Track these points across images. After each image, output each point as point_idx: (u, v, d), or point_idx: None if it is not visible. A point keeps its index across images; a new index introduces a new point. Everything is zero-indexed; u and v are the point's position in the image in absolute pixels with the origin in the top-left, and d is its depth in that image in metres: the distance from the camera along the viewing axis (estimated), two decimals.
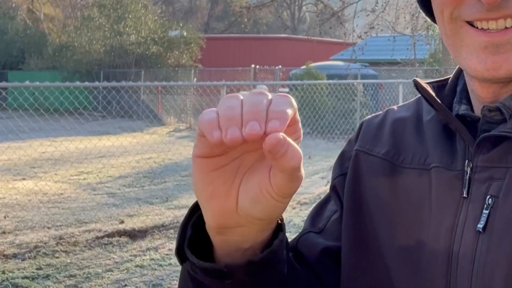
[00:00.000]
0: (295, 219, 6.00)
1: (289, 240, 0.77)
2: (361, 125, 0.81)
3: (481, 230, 0.61)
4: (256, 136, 0.50)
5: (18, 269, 4.57)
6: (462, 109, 0.69)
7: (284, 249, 0.63)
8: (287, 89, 14.02)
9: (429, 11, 0.70)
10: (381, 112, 0.81)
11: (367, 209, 0.72)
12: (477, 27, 0.61)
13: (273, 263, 0.61)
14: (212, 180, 0.55)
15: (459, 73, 0.73)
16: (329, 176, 0.92)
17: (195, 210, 0.63)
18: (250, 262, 0.58)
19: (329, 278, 0.75)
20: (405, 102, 0.81)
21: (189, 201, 6.94)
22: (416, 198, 0.68)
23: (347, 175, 0.76)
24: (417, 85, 0.70)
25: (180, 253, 0.63)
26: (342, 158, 0.79)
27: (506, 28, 0.60)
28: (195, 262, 0.60)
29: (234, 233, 0.58)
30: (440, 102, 0.68)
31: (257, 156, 0.56)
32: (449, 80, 0.74)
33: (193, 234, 0.62)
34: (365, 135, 0.77)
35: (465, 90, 0.71)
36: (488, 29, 0.60)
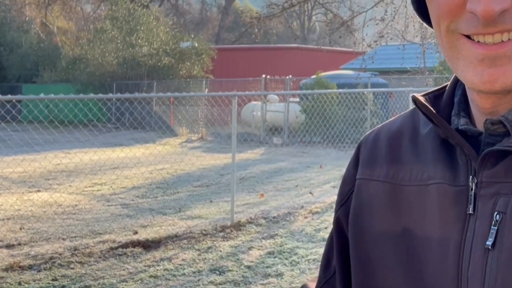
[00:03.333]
0: (307, 228, 6.03)
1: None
2: (358, 148, 0.80)
3: (490, 247, 0.61)
4: None
5: (34, 280, 4.64)
6: (462, 122, 0.68)
7: None
8: (297, 99, 14.09)
9: (425, 17, 0.70)
10: (376, 127, 0.81)
11: (371, 235, 0.72)
12: (473, 40, 0.61)
13: None
14: None
15: (456, 82, 0.72)
16: None
17: None
18: None
19: None
20: (400, 113, 0.80)
21: (202, 211, 6.99)
22: (418, 216, 0.67)
23: (351, 205, 0.76)
24: (416, 101, 0.70)
25: None
26: (342, 185, 0.80)
27: (502, 41, 0.59)
28: None
29: None
30: (440, 118, 0.67)
31: None
32: (446, 88, 0.74)
33: None
34: (364, 160, 0.77)
35: (462, 101, 0.70)
36: (484, 42, 0.60)
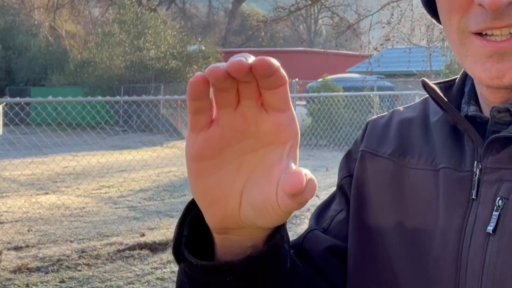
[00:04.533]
0: None
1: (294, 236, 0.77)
2: (366, 125, 0.80)
3: (491, 232, 0.61)
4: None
5: (42, 282, 4.68)
6: (471, 110, 0.69)
7: (285, 243, 0.61)
8: (304, 102, 14.10)
9: (434, 12, 0.71)
10: (386, 113, 0.81)
11: (373, 210, 0.72)
12: (480, 33, 0.62)
13: (274, 257, 0.59)
14: (211, 186, 0.53)
15: (466, 73, 0.72)
16: None
17: (192, 207, 0.61)
18: (251, 258, 0.57)
19: (334, 274, 0.75)
20: (411, 103, 0.80)
21: None
22: (423, 199, 0.68)
23: (353, 176, 0.76)
24: (425, 86, 0.70)
25: (177, 253, 0.60)
26: (348, 158, 0.79)
27: (511, 34, 0.60)
28: (193, 262, 0.58)
29: (235, 233, 0.57)
30: (449, 103, 0.68)
31: (257, 159, 0.53)
32: (457, 80, 0.74)
33: (189, 233, 0.60)
34: (371, 136, 0.77)
35: (473, 90, 0.71)
36: (492, 34, 0.61)
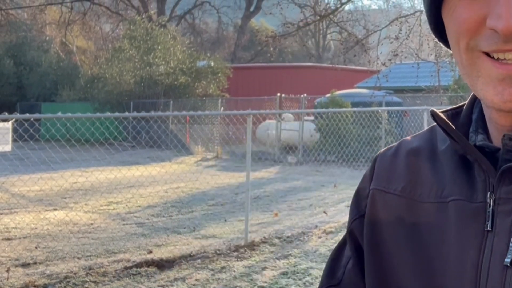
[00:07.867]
0: (321, 249, 6.00)
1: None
2: (374, 160, 0.80)
3: (508, 264, 0.60)
4: None
5: None
6: (479, 139, 0.68)
7: None
8: (312, 117, 14.11)
9: (442, 37, 0.70)
10: (394, 144, 0.81)
11: (387, 250, 0.71)
12: (493, 57, 0.61)
13: None
14: None
15: (474, 100, 0.72)
16: None
17: None
18: None
19: None
20: (418, 132, 0.80)
21: (216, 230, 7.00)
22: (436, 233, 0.67)
23: (365, 217, 0.76)
24: (435, 116, 0.70)
25: None
26: (358, 197, 0.79)
27: None
28: None
29: None
30: (459, 133, 0.67)
31: None
32: (464, 107, 0.73)
33: None
34: (380, 172, 0.77)
35: (480, 119, 0.70)
36: (505, 59, 0.60)
